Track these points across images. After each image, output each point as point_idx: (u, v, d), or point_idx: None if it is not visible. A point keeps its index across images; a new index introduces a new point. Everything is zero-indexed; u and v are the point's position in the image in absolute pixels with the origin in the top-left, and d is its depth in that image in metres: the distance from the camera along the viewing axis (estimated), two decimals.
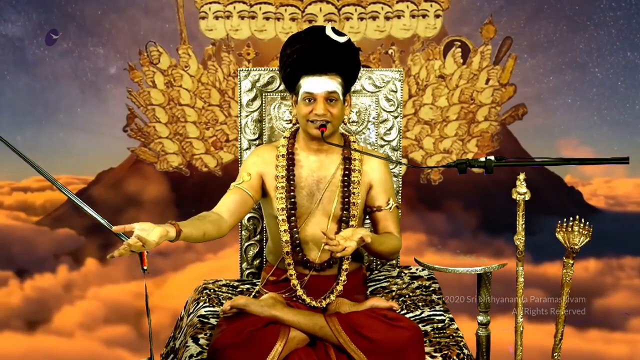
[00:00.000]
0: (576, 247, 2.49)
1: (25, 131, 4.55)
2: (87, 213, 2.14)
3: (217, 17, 4.54)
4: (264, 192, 2.64)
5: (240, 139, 3.00)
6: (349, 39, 2.56)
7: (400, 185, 3.04)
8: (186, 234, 2.24)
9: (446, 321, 2.62)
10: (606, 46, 4.57)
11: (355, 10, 4.55)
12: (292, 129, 2.71)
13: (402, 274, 2.95)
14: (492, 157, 2.27)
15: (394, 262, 3.06)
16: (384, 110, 3.00)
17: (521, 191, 2.42)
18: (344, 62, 2.54)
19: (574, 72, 4.61)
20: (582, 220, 2.49)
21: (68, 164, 4.61)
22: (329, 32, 2.53)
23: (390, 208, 2.65)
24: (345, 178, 2.61)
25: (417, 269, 2.97)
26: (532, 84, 4.65)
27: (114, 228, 2.09)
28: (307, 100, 2.52)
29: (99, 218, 2.13)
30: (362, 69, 2.93)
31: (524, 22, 4.58)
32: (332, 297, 2.59)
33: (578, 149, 4.64)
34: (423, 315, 2.66)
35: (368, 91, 3.00)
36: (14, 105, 4.54)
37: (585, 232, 2.48)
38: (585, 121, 4.65)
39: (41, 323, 4.30)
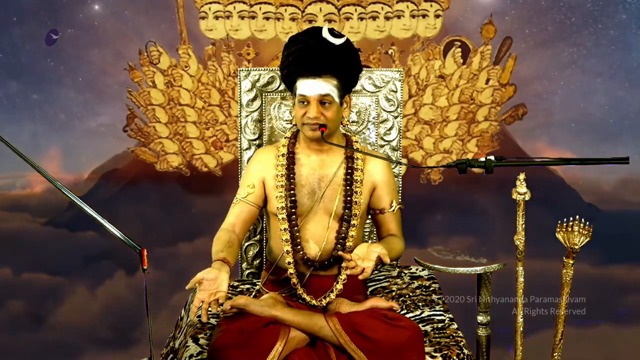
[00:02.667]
0: (576, 247, 2.50)
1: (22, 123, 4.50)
2: (87, 213, 2.14)
3: (217, 17, 4.54)
4: (267, 195, 2.66)
5: (240, 139, 3.00)
6: (347, 41, 2.55)
7: (401, 185, 3.05)
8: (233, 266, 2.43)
9: (446, 321, 2.62)
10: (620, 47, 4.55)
11: (355, 10, 4.55)
12: (294, 129, 2.71)
13: (402, 274, 2.96)
14: (492, 157, 2.27)
15: (393, 262, 3.06)
16: (384, 110, 3.00)
17: (521, 191, 2.42)
18: (341, 64, 2.52)
19: (581, 73, 4.60)
20: (582, 220, 2.49)
21: (68, 164, 4.60)
22: (325, 33, 2.52)
23: (393, 210, 2.66)
24: (348, 177, 2.61)
25: (417, 269, 2.98)
26: (534, 84, 4.65)
27: (188, 287, 2.27)
28: (301, 103, 2.52)
29: (99, 218, 2.13)
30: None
31: (523, 22, 4.57)
32: (332, 296, 2.59)
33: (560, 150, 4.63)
34: (423, 315, 2.66)
35: (368, 91, 3.00)
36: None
37: (585, 232, 2.48)
38: (587, 122, 4.65)
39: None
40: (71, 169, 4.60)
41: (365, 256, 2.36)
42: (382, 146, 3.01)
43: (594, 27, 4.56)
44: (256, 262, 3.06)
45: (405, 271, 2.98)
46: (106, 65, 4.53)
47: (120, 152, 4.62)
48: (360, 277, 2.36)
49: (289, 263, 2.60)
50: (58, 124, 4.52)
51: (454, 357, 2.42)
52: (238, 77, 3.00)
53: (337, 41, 2.51)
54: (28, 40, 4.43)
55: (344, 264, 2.39)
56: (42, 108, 4.51)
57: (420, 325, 2.53)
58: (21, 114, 4.52)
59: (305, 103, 2.51)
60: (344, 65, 2.54)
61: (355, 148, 2.62)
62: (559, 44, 4.58)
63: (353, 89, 2.90)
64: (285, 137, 2.68)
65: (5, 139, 2.16)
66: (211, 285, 2.26)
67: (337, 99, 2.52)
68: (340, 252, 2.46)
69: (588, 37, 4.55)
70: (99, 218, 2.13)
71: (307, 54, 2.50)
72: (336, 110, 2.53)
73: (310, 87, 2.49)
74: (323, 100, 2.50)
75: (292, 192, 2.60)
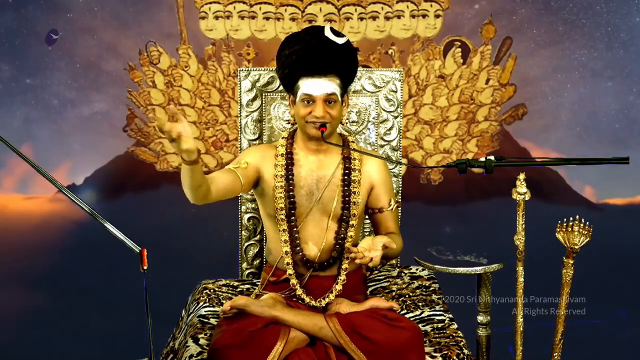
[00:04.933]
0: (576, 247, 2.50)
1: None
2: (88, 213, 2.14)
3: (217, 17, 4.55)
4: (257, 186, 2.64)
5: (240, 139, 3.00)
6: (348, 40, 2.56)
7: (401, 185, 3.04)
8: (197, 170, 2.26)
9: (446, 321, 2.62)
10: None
11: (355, 10, 4.56)
12: (291, 130, 2.72)
13: (402, 274, 2.95)
14: (492, 157, 2.27)
15: (393, 262, 3.06)
16: (384, 110, 3.00)
17: (521, 191, 2.42)
18: (343, 63, 2.54)
19: (591, 75, 4.58)
20: (582, 220, 2.49)
21: (67, 165, 4.58)
22: (327, 33, 2.53)
23: (391, 208, 2.66)
24: (346, 177, 2.61)
25: (417, 269, 2.98)
26: (541, 86, 4.64)
27: (166, 125, 2.11)
28: (305, 102, 2.52)
29: (99, 218, 2.13)
30: (362, 69, 2.94)
31: (532, 22, 4.55)
32: (332, 297, 2.59)
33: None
34: (423, 315, 2.66)
35: (368, 91, 3.00)
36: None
37: (585, 232, 2.48)
38: (585, 123, 4.64)
39: None
40: (63, 158, 4.56)
41: (371, 247, 2.35)
42: (382, 146, 3.01)
43: (606, 29, 4.53)
44: (256, 262, 3.06)
45: (405, 271, 2.98)
46: (103, 52, 4.50)
47: (120, 152, 4.62)
48: (370, 264, 2.33)
49: (288, 264, 2.60)
50: (52, 109, 4.46)
51: (454, 357, 2.42)
52: (238, 77, 3.00)
53: (340, 40, 2.53)
54: (23, 23, 4.38)
55: (351, 255, 2.33)
56: (35, 93, 4.45)
57: (420, 325, 2.53)
58: (13, 98, 4.47)
59: (310, 102, 2.52)
60: (346, 64, 2.56)
61: (352, 148, 2.63)
62: (570, 46, 4.57)
63: (352, 89, 2.94)
64: (282, 138, 2.68)
65: None
66: (185, 136, 2.15)
67: (339, 98, 2.54)
68: (346, 245, 2.46)
69: (600, 39, 4.52)
70: (99, 218, 2.13)
71: (312, 53, 2.50)
72: (339, 109, 2.55)
73: (316, 86, 2.50)
74: (328, 99, 2.51)
75: (291, 193, 2.59)
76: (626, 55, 4.53)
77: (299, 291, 2.59)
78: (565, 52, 4.56)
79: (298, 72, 2.52)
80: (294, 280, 2.60)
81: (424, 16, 4.57)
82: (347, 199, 2.60)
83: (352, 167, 2.62)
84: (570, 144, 4.62)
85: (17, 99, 4.47)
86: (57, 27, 4.43)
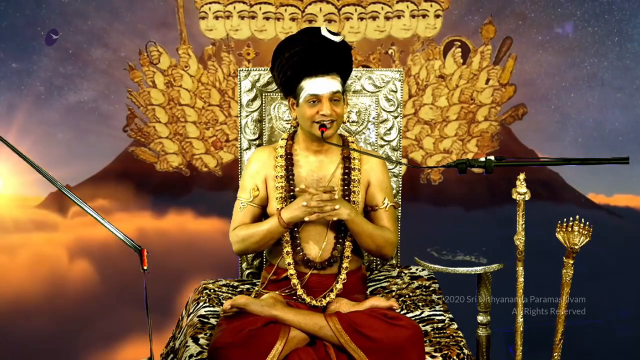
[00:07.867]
0: (576, 247, 2.50)
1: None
2: (88, 213, 2.14)
3: (217, 17, 4.54)
4: (267, 195, 2.67)
5: (240, 139, 3.00)
6: (343, 38, 2.59)
7: (401, 185, 3.04)
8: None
9: (446, 321, 2.62)
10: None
11: (355, 10, 4.55)
12: (291, 131, 2.74)
13: (402, 274, 2.96)
14: (492, 157, 2.28)
15: (393, 262, 3.06)
16: (384, 110, 3.00)
17: (521, 191, 2.42)
18: (342, 61, 2.58)
19: (576, 72, 4.57)
20: (582, 220, 2.49)
21: (68, 165, 4.57)
22: (324, 32, 2.55)
23: (385, 207, 2.66)
24: (346, 177, 2.62)
25: (417, 269, 2.98)
26: (533, 84, 4.64)
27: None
28: (311, 102, 2.54)
29: (99, 219, 2.13)
30: (362, 69, 2.96)
31: (541, 27, 4.52)
32: (332, 296, 2.60)
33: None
34: (423, 315, 2.66)
35: (368, 91, 3.00)
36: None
37: (585, 232, 2.48)
38: (585, 121, 4.62)
39: None
40: (61, 157, 4.52)
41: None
42: (382, 146, 3.01)
43: (618, 38, 4.50)
44: (256, 262, 3.06)
45: (405, 271, 2.98)
46: (95, 38, 4.45)
47: (120, 152, 4.62)
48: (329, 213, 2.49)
49: (289, 264, 2.61)
50: (43, 96, 4.40)
51: (454, 357, 2.42)
52: (238, 77, 3.00)
53: (337, 39, 2.56)
54: (11, 4, 4.33)
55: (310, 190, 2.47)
56: (21, 78, 4.40)
57: (420, 325, 2.53)
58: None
59: (316, 102, 2.53)
60: (344, 61, 2.59)
61: (352, 148, 2.64)
62: (579, 53, 4.54)
63: (352, 89, 2.95)
64: (282, 139, 2.70)
65: None
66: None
67: (342, 96, 2.56)
68: (347, 243, 2.61)
69: (611, 49, 4.49)
70: (99, 218, 2.13)
71: (314, 53, 2.52)
72: (342, 107, 2.57)
73: (321, 85, 2.52)
74: (333, 98, 2.53)
75: (291, 193, 2.60)
76: (638, 66, 4.49)
77: (300, 291, 2.59)
78: (575, 60, 4.52)
79: (301, 73, 2.54)
80: (294, 281, 2.60)
81: (424, 16, 4.57)
82: (347, 198, 2.61)
83: (352, 166, 2.64)
84: (573, 153, 4.59)
85: (2, 83, 4.42)
86: (47, 10, 4.39)
